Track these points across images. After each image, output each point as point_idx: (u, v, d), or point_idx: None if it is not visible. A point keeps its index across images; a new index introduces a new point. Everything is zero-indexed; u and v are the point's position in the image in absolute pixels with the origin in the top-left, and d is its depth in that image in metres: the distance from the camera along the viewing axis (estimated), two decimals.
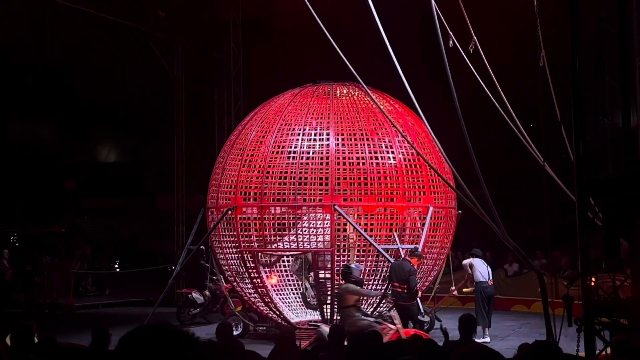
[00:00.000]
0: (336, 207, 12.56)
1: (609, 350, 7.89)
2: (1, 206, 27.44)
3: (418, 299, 12.28)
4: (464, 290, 14.61)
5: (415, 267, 12.24)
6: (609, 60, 9.35)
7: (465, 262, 14.09)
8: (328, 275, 12.78)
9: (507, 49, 18.52)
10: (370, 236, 12.78)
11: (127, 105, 26.59)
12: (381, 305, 12.92)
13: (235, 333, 12.21)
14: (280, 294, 13.67)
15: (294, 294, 13.78)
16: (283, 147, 13.08)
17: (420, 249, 12.57)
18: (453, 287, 14.59)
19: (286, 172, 13.03)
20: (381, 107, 12.35)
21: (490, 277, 13.80)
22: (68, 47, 23.88)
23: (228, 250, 13.49)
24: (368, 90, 11.95)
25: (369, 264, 13.03)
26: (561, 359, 4.04)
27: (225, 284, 14.75)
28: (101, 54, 25.11)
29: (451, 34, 11.15)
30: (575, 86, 8.83)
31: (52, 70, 25.15)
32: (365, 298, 12.48)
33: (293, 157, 12.98)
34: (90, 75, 25.22)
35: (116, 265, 23.13)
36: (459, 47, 11.40)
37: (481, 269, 13.67)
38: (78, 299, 19.61)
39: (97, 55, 25.21)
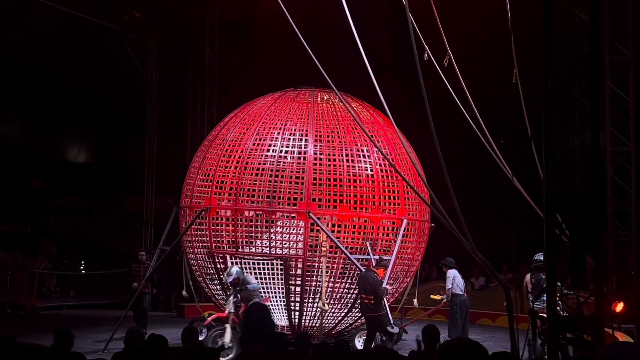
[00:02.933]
0: (311, 214, 12.55)
1: None
2: None
3: (387, 309, 12.29)
4: (433, 297, 14.54)
5: (381, 277, 12.26)
6: (580, 79, 9.51)
7: (450, 272, 13.65)
8: (298, 282, 12.77)
9: (482, 64, 18.72)
10: (343, 245, 12.80)
11: (98, 105, 26.32)
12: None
13: (200, 338, 12.11)
14: None
15: (262, 297, 13.70)
16: (262, 146, 13.07)
17: (392, 260, 12.61)
18: (415, 300, 14.49)
19: (262, 170, 12.97)
20: (354, 115, 12.38)
21: (465, 289, 13.90)
22: (40, 44, 23.59)
23: (198, 250, 13.43)
24: (342, 98, 12.01)
25: (339, 272, 13.03)
26: None
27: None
28: (74, 51, 24.82)
29: (426, 47, 11.26)
30: (547, 103, 8.95)
31: (22, 67, 24.80)
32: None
33: (272, 153, 12.97)
34: (62, 73, 24.92)
35: (81, 267, 22.83)
36: (434, 61, 11.51)
37: (459, 282, 13.65)
38: (41, 299, 19.32)
39: (70, 54, 24.91)
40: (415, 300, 14.44)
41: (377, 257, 12.71)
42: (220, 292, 13.41)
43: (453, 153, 15.49)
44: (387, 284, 12.48)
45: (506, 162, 11.90)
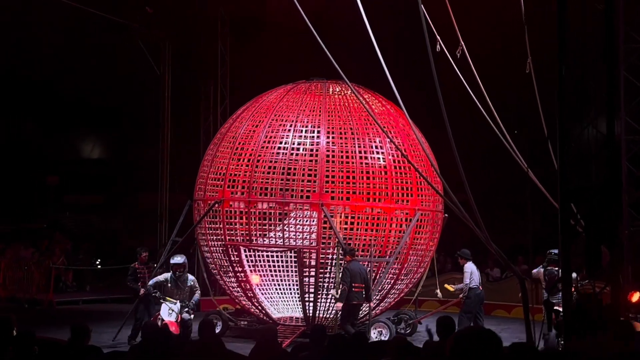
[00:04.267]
0: (323, 207, 12.56)
1: None
2: None
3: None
4: (447, 286, 14.49)
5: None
6: (594, 69, 9.44)
7: (467, 267, 13.47)
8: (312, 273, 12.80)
9: (494, 55, 18.62)
10: (356, 237, 12.81)
11: (112, 101, 26.43)
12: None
13: (217, 331, 12.19)
14: (263, 290, 13.65)
15: (276, 289, 13.76)
16: (274, 140, 13.08)
17: (398, 250, 12.64)
18: (438, 291, 14.49)
19: (275, 162, 12.99)
20: (366, 106, 12.38)
21: (481, 281, 13.81)
22: (53, 42, 23.71)
23: (212, 243, 13.47)
24: (354, 89, 11.98)
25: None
26: (538, 358, 4.10)
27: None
28: (87, 49, 24.93)
29: (439, 38, 11.22)
30: (561, 93, 8.90)
31: (36, 65, 24.94)
32: None
33: (284, 151, 12.99)
34: (76, 70, 25.04)
35: (97, 262, 22.97)
36: (447, 52, 11.47)
37: (476, 275, 13.46)
38: (58, 294, 19.46)
39: (83, 50, 25.02)
40: (438, 291, 14.38)
41: (384, 259, 12.77)
42: (235, 284, 13.46)
43: (467, 145, 15.44)
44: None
45: (521, 154, 11.85)
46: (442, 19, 11.61)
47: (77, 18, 20.47)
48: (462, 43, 11.71)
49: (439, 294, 14.42)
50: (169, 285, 12.10)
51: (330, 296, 12.71)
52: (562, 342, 10.01)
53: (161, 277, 12.26)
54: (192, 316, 12.09)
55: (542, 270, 12.52)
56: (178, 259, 12.25)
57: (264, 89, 14.47)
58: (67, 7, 18.31)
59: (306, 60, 16.09)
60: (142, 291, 12.82)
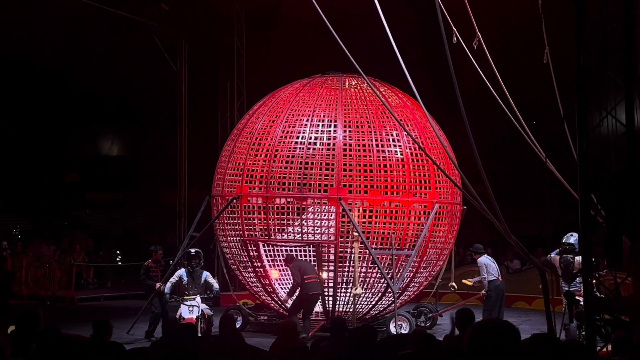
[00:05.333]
0: (341, 201, 12.56)
1: (609, 347, 7.90)
2: (4, 199, 27.48)
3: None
4: (465, 282, 14.45)
5: None
6: (613, 57, 9.32)
7: (480, 261, 13.40)
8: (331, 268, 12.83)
9: (511, 46, 18.49)
10: (374, 231, 12.80)
11: (129, 98, 26.58)
12: None
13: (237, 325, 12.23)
14: (283, 285, 13.69)
15: None
16: (291, 135, 13.11)
17: (419, 243, 12.65)
18: (454, 284, 14.46)
19: (293, 157, 13.00)
20: (382, 99, 12.34)
21: (499, 273, 13.72)
22: (70, 39, 23.88)
23: (231, 239, 13.53)
24: (370, 82, 11.93)
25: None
26: (559, 348, 4.08)
27: None
28: (104, 47, 25.09)
29: (455, 29, 11.15)
30: (580, 82, 8.81)
31: (55, 63, 25.13)
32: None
33: (301, 146, 13.00)
34: (93, 68, 25.20)
35: (118, 259, 23.15)
36: (463, 44, 11.39)
37: (492, 267, 13.39)
38: (79, 291, 19.64)
39: (100, 48, 25.19)
40: (453, 284, 14.35)
41: (405, 251, 12.78)
42: (254, 280, 13.51)
43: (485, 137, 15.36)
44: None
45: (540, 145, 11.76)
46: (458, 9, 11.53)
47: (95, 16, 20.60)
48: (479, 34, 11.63)
49: (454, 287, 14.38)
50: (185, 280, 12.25)
51: (351, 294, 12.72)
52: (583, 332, 9.95)
53: (174, 278, 12.46)
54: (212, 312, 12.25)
55: (557, 256, 12.33)
56: (192, 251, 12.60)
57: (281, 84, 14.48)
58: (85, 6, 18.42)
59: (322, 54, 16.08)
60: (157, 285, 12.89)
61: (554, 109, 12.04)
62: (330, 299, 13.00)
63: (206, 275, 12.46)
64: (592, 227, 8.87)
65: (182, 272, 12.45)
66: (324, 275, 13.12)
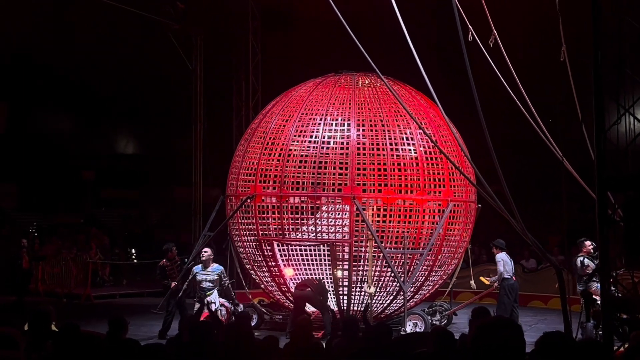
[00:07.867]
0: (355, 201, 12.53)
1: (627, 346, 7.83)
2: (20, 196, 27.68)
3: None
4: (483, 279, 14.34)
5: None
6: (631, 55, 9.24)
7: (499, 256, 13.43)
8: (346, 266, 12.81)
9: (528, 44, 18.38)
10: (389, 230, 12.76)
11: (145, 96, 26.69)
12: None
13: (252, 323, 12.29)
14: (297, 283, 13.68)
15: None
16: (304, 134, 13.12)
17: (432, 242, 12.62)
18: (472, 282, 14.40)
19: (306, 156, 13.01)
20: (399, 97, 12.29)
21: (514, 272, 13.69)
22: (87, 38, 24.02)
23: (246, 238, 13.55)
24: (385, 81, 11.88)
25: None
26: (572, 347, 4.04)
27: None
28: (120, 45, 25.21)
29: (471, 28, 11.09)
30: (597, 80, 8.74)
31: (71, 62, 25.28)
32: None
33: (314, 145, 13.00)
34: (109, 67, 25.34)
35: (133, 256, 23.26)
36: (479, 42, 11.33)
37: (508, 265, 13.40)
38: (95, 289, 19.75)
39: (116, 47, 25.31)
40: (472, 282, 14.29)
41: (417, 250, 12.77)
42: (269, 279, 13.50)
43: (501, 136, 15.26)
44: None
45: (556, 144, 11.69)
46: (473, 7, 11.47)
47: (110, 15, 20.71)
48: (495, 32, 11.56)
49: (473, 285, 14.33)
50: (200, 274, 12.49)
51: (364, 292, 12.70)
52: (600, 332, 9.88)
53: (190, 277, 12.66)
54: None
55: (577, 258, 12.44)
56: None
57: (296, 82, 14.47)
58: (100, 5, 18.52)
59: (338, 51, 16.05)
60: (173, 284, 12.94)
61: (570, 107, 11.95)
62: (345, 298, 12.97)
63: (218, 269, 12.60)
64: (609, 227, 8.79)
65: (197, 268, 12.60)
66: (339, 274, 13.11)
